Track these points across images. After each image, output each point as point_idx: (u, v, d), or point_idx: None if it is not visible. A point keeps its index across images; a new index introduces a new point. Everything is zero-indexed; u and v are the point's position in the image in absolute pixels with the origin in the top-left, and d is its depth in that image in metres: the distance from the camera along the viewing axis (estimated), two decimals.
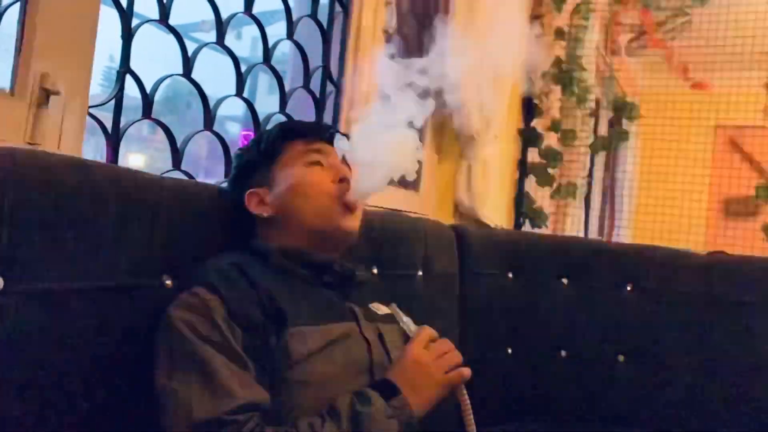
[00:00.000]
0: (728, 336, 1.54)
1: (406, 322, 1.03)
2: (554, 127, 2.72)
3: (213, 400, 0.83)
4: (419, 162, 1.06)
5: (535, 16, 2.46)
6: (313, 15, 1.91)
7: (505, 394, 1.62)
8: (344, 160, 1.10)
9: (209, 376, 0.84)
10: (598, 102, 2.89)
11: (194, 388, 0.84)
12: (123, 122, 1.35)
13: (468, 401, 0.97)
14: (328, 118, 1.94)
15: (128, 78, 1.35)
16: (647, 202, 2.79)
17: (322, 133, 1.12)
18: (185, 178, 1.45)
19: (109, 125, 1.32)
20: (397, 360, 0.96)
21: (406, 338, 1.01)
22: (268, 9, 1.97)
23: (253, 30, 1.76)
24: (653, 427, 1.54)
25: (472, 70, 1.13)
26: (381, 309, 1.07)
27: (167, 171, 1.46)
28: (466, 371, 0.96)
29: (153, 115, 1.43)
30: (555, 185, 2.72)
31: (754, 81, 2.53)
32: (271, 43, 1.76)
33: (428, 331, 0.99)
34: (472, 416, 0.97)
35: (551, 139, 2.72)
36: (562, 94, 2.71)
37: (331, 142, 1.10)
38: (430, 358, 0.94)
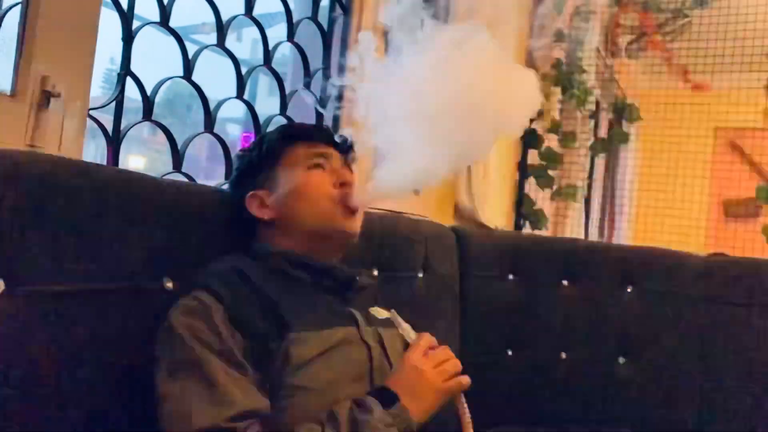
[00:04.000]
0: (728, 338, 1.54)
1: (406, 328, 1.03)
2: (554, 128, 2.72)
3: (213, 407, 0.83)
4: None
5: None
6: (314, 17, 1.92)
7: (506, 396, 1.62)
8: (346, 164, 1.10)
9: (209, 383, 0.84)
10: (598, 104, 2.89)
11: (194, 395, 0.84)
12: (123, 124, 1.35)
13: (467, 410, 0.96)
14: (328, 121, 1.95)
15: (129, 80, 1.35)
16: (647, 204, 2.79)
17: (324, 136, 1.12)
18: (186, 180, 1.45)
19: (109, 127, 1.33)
20: (397, 368, 0.96)
21: (406, 344, 1.01)
22: (269, 11, 1.97)
23: (253, 32, 1.76)
24: (654, 428, 1.54)
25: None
26: (381, 313, 1.06)
27: (168, 173, 1.46)
28: (465, 380, 0.96)
29: (153, 117, 1.44)
30: (555, 187, 2.72)
31: (754, 83, 2.53)
32: (271, 45, 1.77)
33: (428, 339, 0.99)
34: (470, 425, 0.96)
35: (551, 141, 2.72)
36: (562, 95, 2.71)
37: (332, 145, 1.10)
38: (429, 366, 0.94)
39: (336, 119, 1.91)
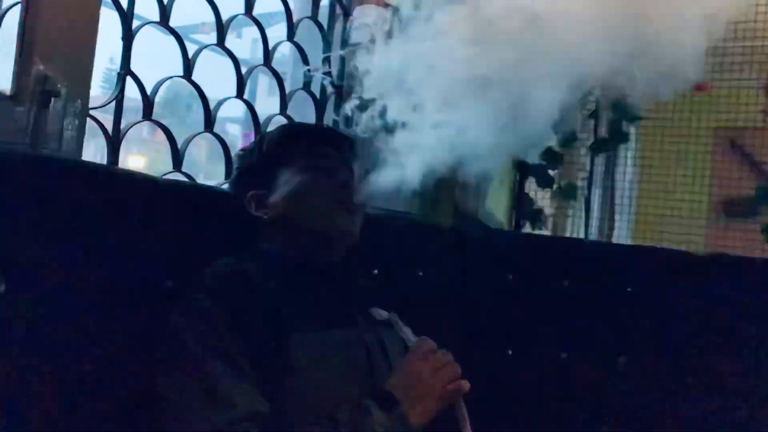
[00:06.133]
0: (728, 337, 1.54)
1: (406, 332, 1.03)
2: (554, 128, 2.71)
3: (212, 411, 0.83)
4: None
5: None
6: (314, 16, 1.91)
7: (505, 396, 1.62)
8: (346, 164, 1.10)
9: (209, 385, 0.84)
10: (598, 103, 2.89)
11: (194, 398, 0.84)
12: (123, 124, 1.35)
13: (466, 414, 0.96)
14: (328, 120, 1.94)
15: (129, 80, 1.35)
16: (647, 204, 2.79)
17: (325, 136, 1.12)
18: (186, 180, 1.45)
19: (109, 127, 1.32)
20: (397, 371, 0.96)
21: (406, 347, 1.01)
22: (269, 11, 1.97)
23: (253, 32, 1.76)
24: (653, 427, 1.54)
25: None
26: (381, 314, 1.06)
27: (168, 173, 1.46)
28: (465, 384, 0.95)
29: (153, 117, 1.44)
30: (555, 186, 2.72)
31: (753, 83, 2.53)
32: (271, 45, 1.76)
33: (428, 343, 0.99)
34: (469, 429, 0.96)
35: (551, 140, 2.72)
36: None
37: (333, 145, 1.10)
38: (429, 371, 0.94)
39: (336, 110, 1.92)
